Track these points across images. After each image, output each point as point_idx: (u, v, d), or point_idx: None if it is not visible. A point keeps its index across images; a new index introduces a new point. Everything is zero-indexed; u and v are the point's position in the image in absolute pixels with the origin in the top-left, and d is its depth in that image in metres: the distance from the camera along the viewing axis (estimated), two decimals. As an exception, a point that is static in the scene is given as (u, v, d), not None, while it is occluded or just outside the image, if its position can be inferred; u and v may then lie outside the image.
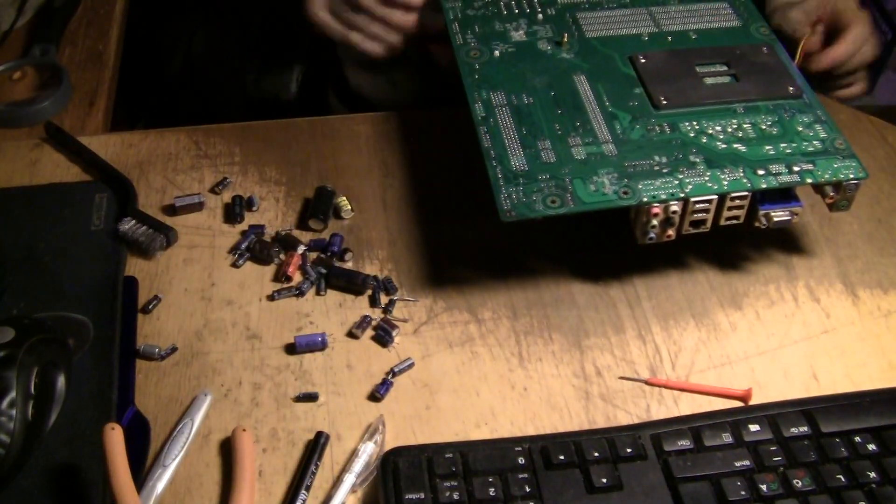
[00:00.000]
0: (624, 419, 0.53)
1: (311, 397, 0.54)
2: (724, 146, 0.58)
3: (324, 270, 0.60)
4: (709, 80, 0.62)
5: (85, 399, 0.53)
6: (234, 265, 0.61)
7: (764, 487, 0.47)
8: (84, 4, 0.84)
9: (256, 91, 0.91)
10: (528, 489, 0.47)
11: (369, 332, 0.57)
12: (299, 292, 0.59)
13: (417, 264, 0.61)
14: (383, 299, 0.59)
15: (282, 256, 0.61)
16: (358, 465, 0.50)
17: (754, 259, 0.62)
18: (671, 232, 0.56)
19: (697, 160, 0.57)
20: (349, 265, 0.61)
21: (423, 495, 0.47)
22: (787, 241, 0.63)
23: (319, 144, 0.70)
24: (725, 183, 0.56)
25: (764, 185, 0.56)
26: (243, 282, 0.60)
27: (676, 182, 0.56)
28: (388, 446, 0.51)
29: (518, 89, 0.62)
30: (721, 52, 0.64)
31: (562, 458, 0.48)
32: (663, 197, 0.55)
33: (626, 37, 0.66)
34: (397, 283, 0.60)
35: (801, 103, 0.61)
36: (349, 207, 0.64)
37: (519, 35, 0.67)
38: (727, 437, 0.50)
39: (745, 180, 0.56)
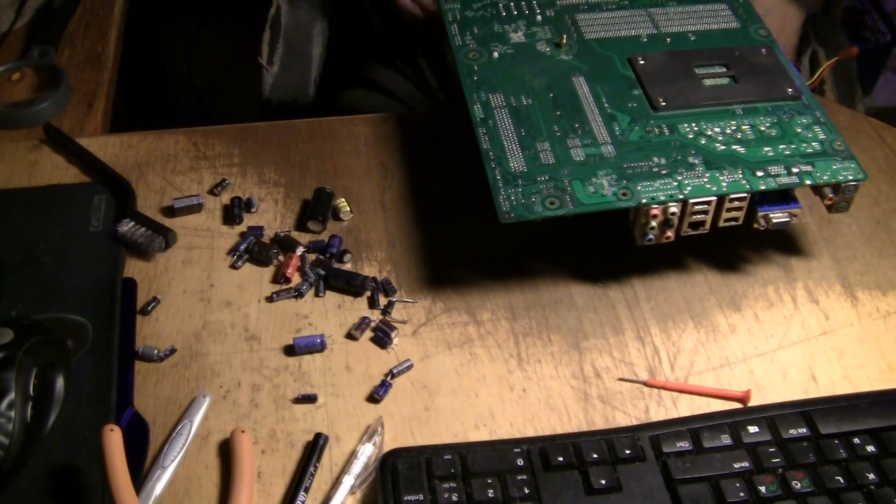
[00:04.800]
0: (623, 420, 0.53)
1: (309, 399, 0.54)
2: (722, 147, 0.58)
3: (322, 272, 0.60)
4: (708, 82, 0.62)
5: (84, 400, 0.53)
6: (233, 266, 0.61)
7: (763, 489, 0.47)
8: (83, 6, 0.84)
9: (273, 94, 0.91)
10: (526, 490, 0.47)
11: (368, 334, 0.57)
12: (298, 294, 0.59)
13: (416, 266, 0.61)
14: (382, 301, 0.59)
15: (280, 258, 0.61)
16: (357, 467, 0.50)
17: (753, 260, 0.62)
18: (670, 233, 0.56)
19: (696, 161, 0.57)
20: (348, 267, 0.61)
21: (421, 497, 0.47)
22: (786, 243, 0.63)
23: (318, 146, 0.70)
24: (724, 184, 0.56)
25: (763, 187, 0.56)
26: (242, 283, 0.60)
27: (675, 183, 0.56)
28: (387, 448, 0.51)
29: (517, 91, 0.62)
30: (720, 53, 0.64)
31: (561, 459, 0.48)
32: (662, 198, 0.55)
33: (624, 38, 0.66)
34: (396, 284, 0.60)
35: (800, 105, 0.61)
36: (348, 209, 0.64)
37: (518, 36, 0.67)
38: (726, 439, 0.50)
39: (743, 182, 0.56)
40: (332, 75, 0.95)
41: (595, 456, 0.49)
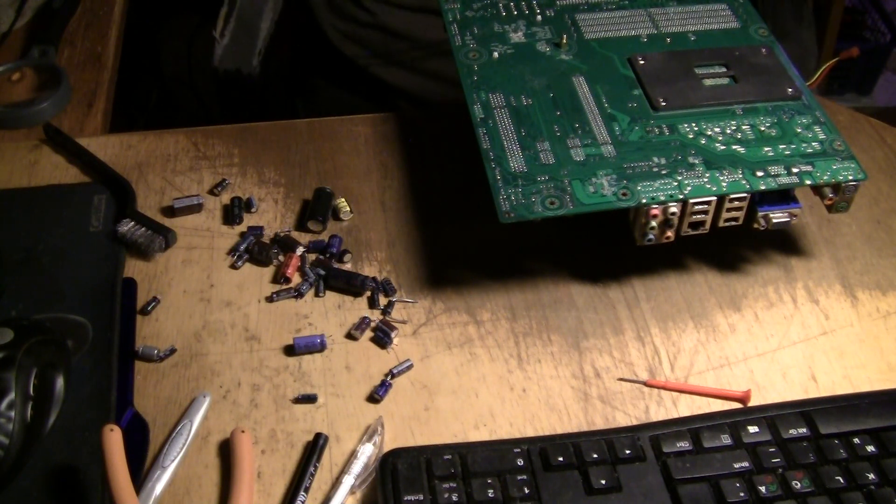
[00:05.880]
0: (623, 420, 0.53)
1: (309, 399, 0.54)
2: (722, 148, 0.58)
3: (322, 272, 0.60)
4: (708, 82, 0.62)
5: (84, 400, 0.53)
6: (233, 266, 0.61)
7: (763, 489, 0.47)
8: (83, 6, 0.84)
9: (221, 64, 0.95)
10: (526, 491, 0.47)
11: (368, 334, 0.57)
12: (298, 294, 0.59)
13: (416, 266, 0.61)
14: (382, 301, 0.59)
15: (280, 258, 0.61)
16: (357, 467, 0.50)
17: (753, 260, 0.62)
18: (670, 233, 0.56)
19: (696, 161, 0.57)
20: (348, 266, 0.61)
21: (421, 497, 0.47)
22: (786, 243, 0.63)
23: (318, 145, 0.70)
24: (724, 184, 0.56)
25: (763, 187, 0.56)
26: (242, 283, 0.60)
27: (675, 183, 0.56)
28: (387, 448, 0.51)
29: (517, 91, 0.62)
30: (720, 53, 0.64)
31: (561, 459, 0.48)
32: (662, 198, 0.55)
33: (624, 38, 0.66)
34: (396, 284, 0.60)
35: (800, 105, 0.61)
36: (348, 209, 0.64)
37: (518, 36, 0.67)
38: (726, 439, 0.50)
39: (743, 182, 0.56)
40: (294, 52, 0.98)
41: (595, 456, 0.49)
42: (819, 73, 0.70)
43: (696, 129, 0.59)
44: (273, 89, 1.02)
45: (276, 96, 1.03)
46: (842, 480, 0.48)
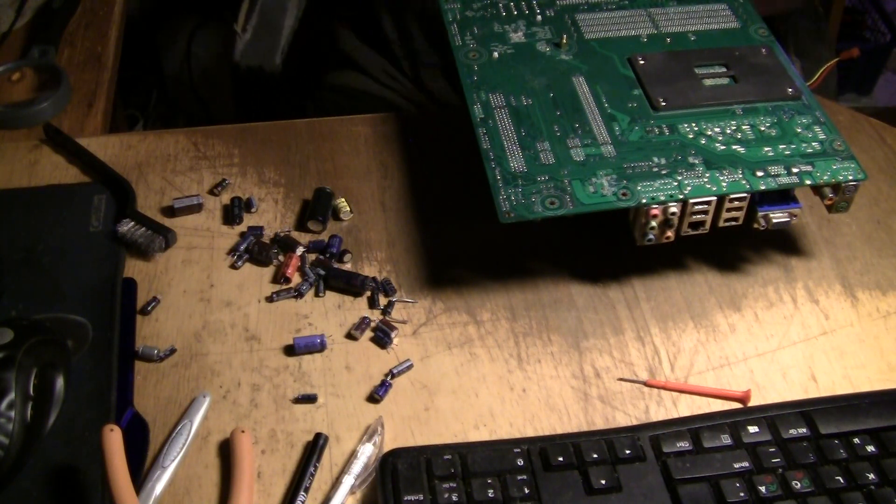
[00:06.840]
0: (623, 420, 0.53)
1: (309, 399, 0.54)
2: (722, 147, 0.58)
3: (322, 272, 0.60)
4: (708, 82, 0.62)
5: (84, 400, 0.53)
6: (233, 267, 0.61)
7: (763, 489, 0.47)
8: (83, 6, 0.84)
9: (243, 60, 0.95)
10: (526, 491, 0.47)
11: (368, 334, 0.57)
12: (298, 294, 0.59)
13: (416, 266, 0.61)
14: (382, 301, 0.59)
15: (280, 258, 0.61)
16: (357, 467, 0.50)
17: (753, 260, 0.62)
18: (670, 233, 0.56)
19: (696, 161, 0.57)
20: (348, 266, 0.61)
21: (421, 497, 0.47)
22: (786, 243, 0.63)
23: (318, 146, 0.70)
24: (724, 184, 0.56)
25: (763, 187, 0.56)
26: (242, 283, 0.60)
27: (675, 183, 0.56)
28: (387, 448, 0.51)
29: (517, 91, 0.62)
30: (720, 53, 0.64)
31: (561, 459, 0.48)
32: (662, 198, 0.55)
33: (624, 38, 0.66)
34: (396, 284, 0.60)
35: (800, 105, 0.61)
36: (348, 209, 0.64)
37: (518, 36, 0.67)
38: (726, 439, 0.50)
39: (743, 182, 0.56)
40: (313, 52, 0.98)
41: (595, 456, 0.49)
42: (819, 74, 0.70)
43: (696, 129, 0.59)
44: (294, 89, 1.02)
45: (296, 96, 1.03)
46: (842, 480, 0.48)
